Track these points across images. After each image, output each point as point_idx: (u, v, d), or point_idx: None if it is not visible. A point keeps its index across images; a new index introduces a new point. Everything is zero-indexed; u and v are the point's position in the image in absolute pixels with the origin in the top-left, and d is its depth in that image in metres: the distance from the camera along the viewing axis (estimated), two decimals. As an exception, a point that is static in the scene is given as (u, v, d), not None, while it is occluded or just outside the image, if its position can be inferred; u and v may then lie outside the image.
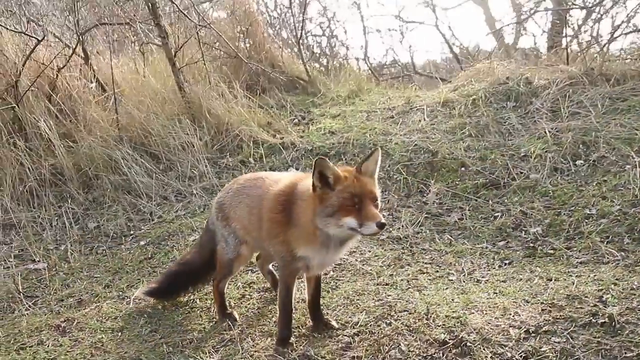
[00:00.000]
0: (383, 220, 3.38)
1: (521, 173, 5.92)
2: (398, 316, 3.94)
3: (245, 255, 4.21)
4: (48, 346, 4.17)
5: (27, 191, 6.45)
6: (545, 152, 6.04)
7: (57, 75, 7.26)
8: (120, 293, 4.90)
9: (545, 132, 6.32)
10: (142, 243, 5.71)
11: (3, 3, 8.12)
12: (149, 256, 5.46)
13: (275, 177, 4.07)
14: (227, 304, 4.35)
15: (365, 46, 12.29)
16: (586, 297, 3.92)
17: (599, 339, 3.54)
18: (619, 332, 3.57)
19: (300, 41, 9.32)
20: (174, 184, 6.48)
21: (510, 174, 5.92)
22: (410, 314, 3.95)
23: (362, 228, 3.39)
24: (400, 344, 3.65)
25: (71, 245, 5.74)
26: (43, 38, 7.04)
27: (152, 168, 6.61)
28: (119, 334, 4.26)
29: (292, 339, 3.83)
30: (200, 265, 4.43)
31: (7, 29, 7.21)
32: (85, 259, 5.59)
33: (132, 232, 5.96)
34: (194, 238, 5.50)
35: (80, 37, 7.38)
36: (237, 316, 4.23)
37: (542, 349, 3.48)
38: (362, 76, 10.08)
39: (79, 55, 7.68)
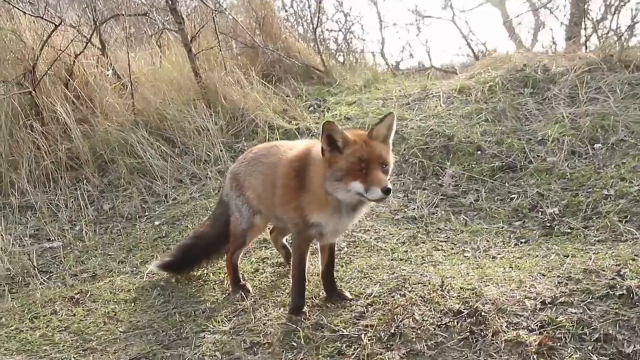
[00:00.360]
0: (389, 186, 3.35)
1: (538, 156, 5.87)
2: (412, 288, 3.91)
3: (259, 225, 4.21)
4: (61, 315, 4.20)
5: (43, 174, 6.47)
6: (563, 136, 5.99)
7: (74, 62, 7.29)
8: (134, 268, 4.92)
9: (563, 116, 6.27)
10: (156, 223, 5.71)
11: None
12: (163, 235, 5.47)
13: (289, 145, 4.08)
14: (241, 277, 4.34)
15: (381, 42, 12.27)
16: (604, 271, 3.87)
17: (617, 310, 3.50)
18: (637, 303, 3.54)
19: (317, 30, 9.29)
20: (189, 167, 6.49)
21: (527, 157, 5.87)
22: (424, 286, 3.91)
23: (367, 193, 3.37)
24: (414, 314, 3.62)
25: (86, 225, 5.75)
26: (60, 23, 7.06)
27: (167, 151, 6.61)
28: (132, 304, 4.28)
29: (306, 309, 3.81)
30: (214, 238, 4.42)
31: (25, 12, 7.25)
32: (99, 238, 5.60)
33: (146, 213, 5.96)
34: (208, 218, 5.49)
35: (97, 26, 7.41)
36: (250, 288, 4.23)
37: (558, 319, 3.44)
38: (377, 68, 10.06)
39: (95, 47, 7.73)
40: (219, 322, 3.82)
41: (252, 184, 4.09)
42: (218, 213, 4.50)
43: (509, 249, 4.60)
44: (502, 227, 5.02)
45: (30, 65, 7.01)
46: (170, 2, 7.19)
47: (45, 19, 7.23)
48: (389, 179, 3.43)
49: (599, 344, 3.29)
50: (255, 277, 4.51)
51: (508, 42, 13.64)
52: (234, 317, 3.89)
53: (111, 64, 7.63)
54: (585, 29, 8.91)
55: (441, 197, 5.57)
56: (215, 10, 7.82)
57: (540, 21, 12.95)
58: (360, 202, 3.59)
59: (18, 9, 7.37)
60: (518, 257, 4.39)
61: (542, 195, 5.35)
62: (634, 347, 3.27)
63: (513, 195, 5.46)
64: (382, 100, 7.56)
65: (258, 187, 4.05)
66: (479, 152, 6.10)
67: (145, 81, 7.54)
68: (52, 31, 7.04)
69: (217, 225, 4.45)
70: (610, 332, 3.35)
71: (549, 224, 4.95)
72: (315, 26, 9.44)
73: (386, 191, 3.33)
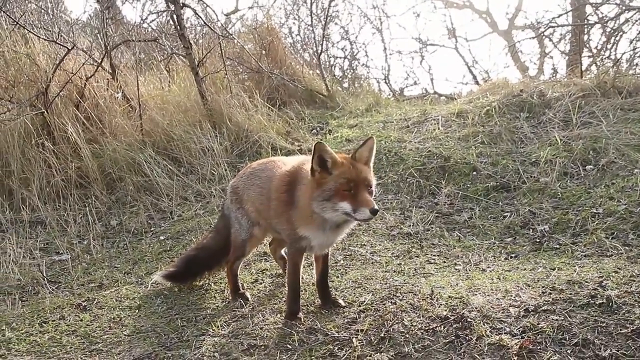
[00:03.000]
0: (376, 207, 3.57)
1: (531, 177, 6.07)
2: (403, 296, 4.12)
3: (258, 236, 4.43)
4: (69, 320, 4.43)
5: (53, 191, 6.76)
6: (556, 157, 6.20)
7: (84, 85, 7.61)
8: (139, 279, 5.15)
9: (556, 139, 6.49)
10: (161, 238, 5.95)
11: (36, 16, 8.54)
12: (168, 249, 5.71)
13: (284, 160, 4.34)
14: (240, 286, 4.56)
15: (387, 69, 12.56)
16: (586, 282, 4.06)
17: (596, 317, 3.68)
18: (616, 311, 3.71)
19: (320, 55, 9.59)
20: (194, 186, 6.74)
21: (520, 177, 6.08)
22: (414, 295, 4.12)
23: (356, 213, 3.60)
24: (403, 319, 3.83)
25: (94, 240, 5.99)
26: (73, 47, 7.41)
27: (173, 170, 6.88)
28: (136, 311, 4.50)
29: (301, 315, 4.03)
30: (216, 250, 4.65)
31: (40, 37, 7.60)
32: (106, 252, 5.85)
33: (152, 228, 6.21)
34: (212, 233, 5.74)
35: (108, 52, 7.74)
36: (249, 296, 4.44)
37: (540, 325, 3.63)
38: (382, 95, 10.34)
39: (106, 71, 8.05)
40: (218, 326, 4.03)
41: (250, 196, 4.33)
42: (220, 226, 4.74)
43: (499, 263, 4.79)
44: (494, 243, 5.21)
45: (43, 87, 7.34)
46: (178, 28, 7.52)
47: (59, 44, 7.58)
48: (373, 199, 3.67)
49: (577, 348, 3.46)
50: (254, 286, 4.73)
51: (513, 71, 13.91)
52: (233, 322, 4.10)
53: (121, 87, 7.95)
54: (582, 57, 9.16)
55: (436, 214, 5.77)
56: (222, 36, 8.14)
57: (545, 52, 13.21)
58: (345, 221, 3.81)
59: (33, 33, 7.73)
60: (507, 270, 4.58)
61: (534, 213, 5.54)
62: (611, 351, 3.45)
63: (506, 214, 5.65)
64: (383, 123, 7.81)
65: (256, 200, 4.28)
66: (474, 173, 6.31)
67: (153, 104, 7.86)
68: (65, 55, 7.38)
69: (218, 237, 4.68)
70: (589, 337, 3.52)
71: (538, 240, 5.14)
72: (319, 52, 9.74)
73: (374, 212, 3.56)
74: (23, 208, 6.54)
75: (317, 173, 3.70)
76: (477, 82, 12.07)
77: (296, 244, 3.98)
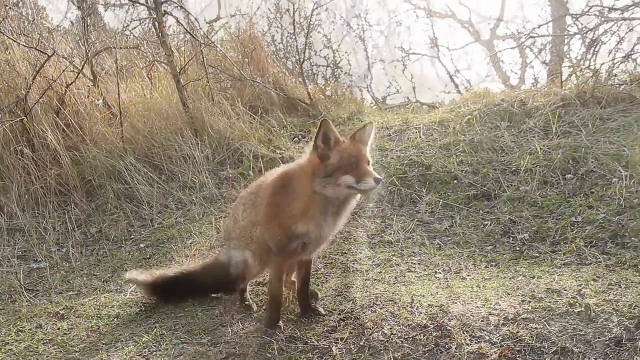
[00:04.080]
0: (379, 176, 3.71)
1: (512, 185, 6.09)
2: (383, 305, 4.13)
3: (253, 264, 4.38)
4: (46, 329, 4.39)
5: (32, 198, 6.69)
6: (536, 166, 6.23)
7: (65, 92, 7.55)
8: (119, 287, 5.11)
9: (537, 148, 6.52)
10: (141, 245, 5.92)
11: (17, 22, 8.46)
12: (148, 256, 5.68)
13: (267, 174, 4.37)
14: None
15: (369, 78, 12.54)
16: (565, 290, 4.10)
17: (575, 326, 3.72)
18: (594, 320, 3.75)
19: (303, 64, 9.59)
20: (175, 193, 6.71)
21: (501, 186, 6.09)
22: (395, 303, 4.13)
23: (359, 184, 3.70)
24: (383, 328, 3.84)
25: (73, 248, 5.95)
26: (53, 54, 7.35)
27: (154, 178, 6.84)
28: (115, 319, 4.47)
29: (281, 323, 4.02)
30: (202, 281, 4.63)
31: (19, 43, 7.54)
32: (85, 260, 5.80)
33: (132, 236, 6.16)
34: (192, 241, 5.74)
35: (89, 58, 7.70)
36: (255, 307, 4.44)
37: (519, 334, 3.66)
38: (364, 103, 10.34)
39: (87, 78, 7.99)
40: (197, 334, 4.02)
41: (240, 225, 4.35)
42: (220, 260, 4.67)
43: (479, 271, 4.80)
44: (474, 252, 5.22)
45: (22, 94, 7.27)
46: (160, 35, 7.50)
47: (39, 50, 7.51)
48: None
49: (556, 356, 3.49)
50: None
51: (494, 81, 13.97)
52: (212, 330, 4.08)
53: (102, 94, 7.90)
54: (562, 67, 9.22)
55: (417, 222, 5.77)
56: (204, 44, 8.12)
57: (526, 62, 13.28)
58: (346, 198, 3.87)
59: (12, 39, 7.66)
60: (487, 278, 4.59)
61: (514, 221, 5.56)
62: (590, 359, 3.48)
63: (486, 222, 5.66)
64: (365, 132, 7.79)
65: (244, 223, 4.31)
66: (455, 181, 6.32)
67: (134, 111, 7.81)
68: (45, 62, 7.32)
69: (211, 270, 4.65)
70: (568, 345, 3.55)
71: (518, 249, 5.16)
72: (302, 60, 9.74)
73: (377, 181, 3.69)
74: (1, 215, 6.48)
75: (319, 149, 3.79)
76: (459, 91, 12.10)
77: (287, 248, 3.96)
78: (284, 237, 3.94)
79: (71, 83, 7.51)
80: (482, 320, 3.84)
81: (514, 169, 6.36)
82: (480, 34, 18.08)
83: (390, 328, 3.83)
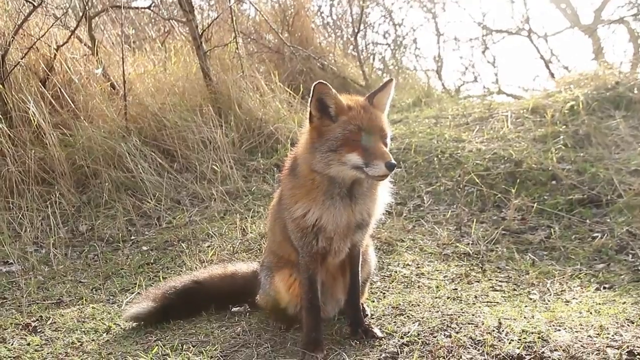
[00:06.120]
0: (393, 161, 3.43)
1: (630, 189, 5.89)
2: (460, 328, 3.85)
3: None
4: (12, 344, 4.18)
5: (6, 186, 6.55)
6: (662, 166, 6.00)
7: (55, 55, 7.43)
8: (111, 297, 4.96)
9: (663, 144, 6.29)
10: (144, 248, 5.79)
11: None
12: (152, 261, 5.52)
13: None
14: None
15: (439, 61, 12.37)
16: None
17: None
18: None
19: (357, 36, 9.43)
20: (190, 186, 6.57)
21: (615, 190, 5.90)
22: (476, 326, 3.86)
23: (367, 168, 3.46)
24: (461, 357, 3.54)
25: (55, 248, 5.83)
26: (41, 3, 7.20)
27: (164, 165, 6.73)
28: (104, 335, 4.27)
29: (323, 347, 3.76)
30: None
31: (-1, -11, 7.47)
32: (70, 263, 5.67)
33: (132, 236, 6.04)
34: (210, 244, 5.56)
35: (88, 19, 7.57)
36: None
37: (650, 372, 3.35)
38: (433, 90, 10.18)
39: (85, 45, 7.89)
40: (212, 357, 3.78)
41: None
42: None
43: (588, 294, 4.55)
44: (580, 270, 5.02)
45: (-1, 53, 7.15)
46: (178, -15, 7.36)
47: (22, -2, 7.40)
48: None
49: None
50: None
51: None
52: (231, 351, 3.85)
53: (101, 62, 7.77)
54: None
55: (503, 232, 5.60)
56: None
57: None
58: (355, 182, 3.65)
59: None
60: (599, 303, 4.33)
61: (634, 235, 5.36)
62: None
63: (596, 234, 5.47)
64: (435, 119, 7.65)
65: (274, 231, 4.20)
66: (553, 182, 6.17)
67: (141, 86, 7.67)
68: (30, 12, 7.18)
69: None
70: None
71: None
72: (356, 32, 9.57)
73: (390, 167, 3.42)
74: (-34, 205, 6.36)
75: (316, 119, 3.59)
76: (553, 77, 11.86)
77: (305, 241, 3.78)
78: (296, 228, 3.77)
79: (63, 44, 7.40)
80: (596, 354, 3.52)
81: (632, 168, 6.16)
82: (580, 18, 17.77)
83: (471, 357, 3.54)
